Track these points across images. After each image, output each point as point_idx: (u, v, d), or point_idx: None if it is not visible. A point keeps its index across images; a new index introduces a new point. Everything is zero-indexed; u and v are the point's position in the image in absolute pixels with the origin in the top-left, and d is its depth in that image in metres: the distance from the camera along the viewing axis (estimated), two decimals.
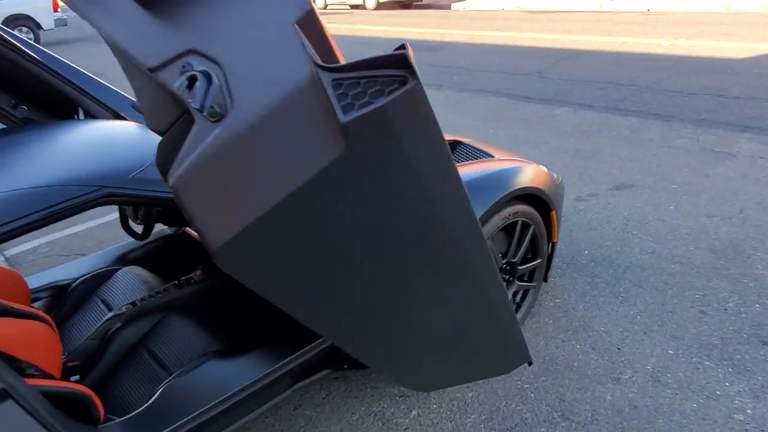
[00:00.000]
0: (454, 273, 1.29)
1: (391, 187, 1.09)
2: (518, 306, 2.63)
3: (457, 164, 2.49)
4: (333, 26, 14.09)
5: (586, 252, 3.31)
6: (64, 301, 2.30)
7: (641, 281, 2.99)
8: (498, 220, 2.26)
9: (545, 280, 2.76)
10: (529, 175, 2.43)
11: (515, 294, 2.61)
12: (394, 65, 1.00)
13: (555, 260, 3.25)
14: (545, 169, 2.67)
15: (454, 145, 3.11)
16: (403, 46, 1.00)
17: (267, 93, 1.01)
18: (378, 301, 1.32)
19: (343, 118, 0.97)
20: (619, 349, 2.51)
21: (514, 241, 2.40)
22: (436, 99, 6.93)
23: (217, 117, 1.02)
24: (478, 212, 2.15)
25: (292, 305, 1.21)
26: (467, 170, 2.35)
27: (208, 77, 1.04)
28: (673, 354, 2.46)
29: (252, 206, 1.04)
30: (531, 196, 2.46)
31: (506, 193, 2.25)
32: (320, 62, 1.01)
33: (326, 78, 1.00)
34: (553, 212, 2.57)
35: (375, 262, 1.21)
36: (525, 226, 2.46)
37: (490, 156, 2.83)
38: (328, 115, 1.01)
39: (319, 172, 1.02)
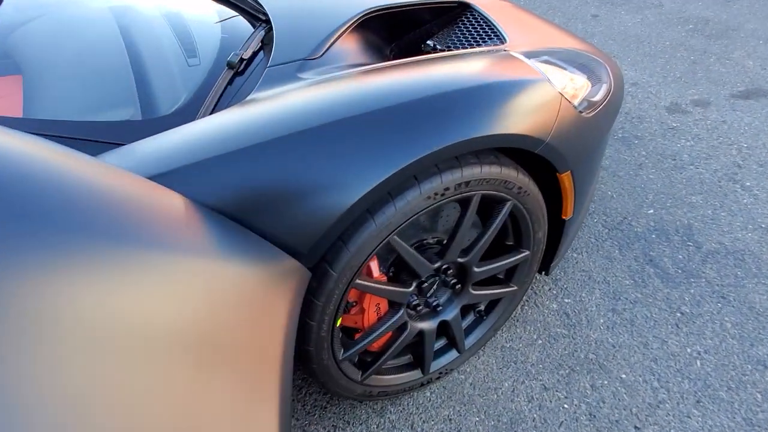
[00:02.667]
0: None
1: None
2: (479, 318, 1.54)
3: (419, 57, 1.33)
4: None
5: (651, 211, 2.03)
6: None
7: (729, 287, 1.74)
8: (417, 199, 1.11)
9: (546, 272, 1.61)
10: (528, 104, 1.19)
11: (470, 307, 1.52)
12: None
13: (591, 219, 2.02)
14: (580, 85, 1.39)
15: (460, 9, 1.83)
16: None
17: None
18: None
19: None
20: (638, 428, 1.41)
21: (461, 228, 1.25)
22: None
23: None
24: (362, 182, 1.02)
25: None
26: (418, 73, 1.19)
27: None
28: None
29: None
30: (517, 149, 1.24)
31: (440, 148, 1.06)
32: None
33: None
34: (566, 175, 1.34)
35: None
36: (495, 202, 1.28)
37: (500, 41, 1.57)
38: None
39: None
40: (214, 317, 0.83)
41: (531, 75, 1.26)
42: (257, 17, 1.53)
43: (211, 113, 1.17)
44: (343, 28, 1.48)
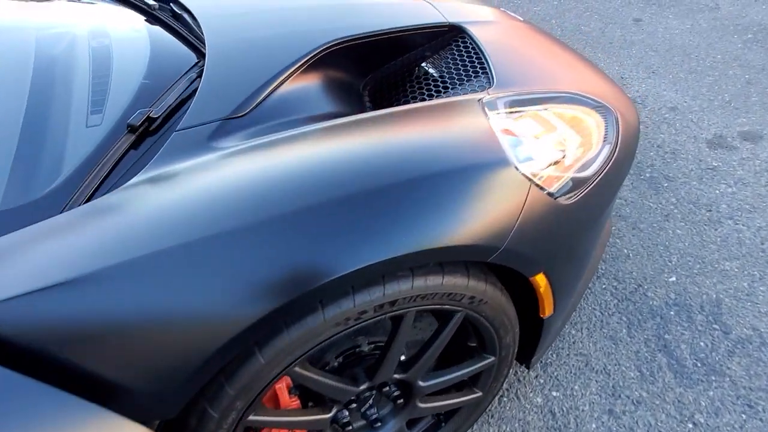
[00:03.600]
0: None
1: None
2: (437, 423, 1.29)
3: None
4: None
5: (673, 278, 1.70)
6: None
7: (759, 391, 1.42)
8: (321, 327, 0.86)
9: (528, 366, 1.34)
10: (480, 201, 0.92)
11: (415, 422, 1.27)
12: None
13: (599, 283, 1.71)
14: (571, 154, 1.11)
15: (453, 34, 1.57)
16: None
17: None
18: None
19: None
20: None
21: (391, 350, 1.00)
22: None
23: None
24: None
25: None
26: (346, 150, 0.96)
27: None
28: None
29: None
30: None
31: (351, 271, 0.81)
32: None
33: None
34: (538, 276, 1.06)
35: None
36: (443, 315, 1.03)
37: (486, 82, 1.32)
38: None
39: None
40: None
41: (492, 155, 0.98)
42: (202, 52, 1.30)
43: (88, 201, 0.95)
44: (290, 71, 1.24)
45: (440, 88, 1.36)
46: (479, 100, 1.19)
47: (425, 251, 0.85)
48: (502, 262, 0.96)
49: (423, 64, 1.56)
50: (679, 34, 2.87)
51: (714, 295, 1.63)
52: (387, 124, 1.05)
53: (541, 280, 1.07)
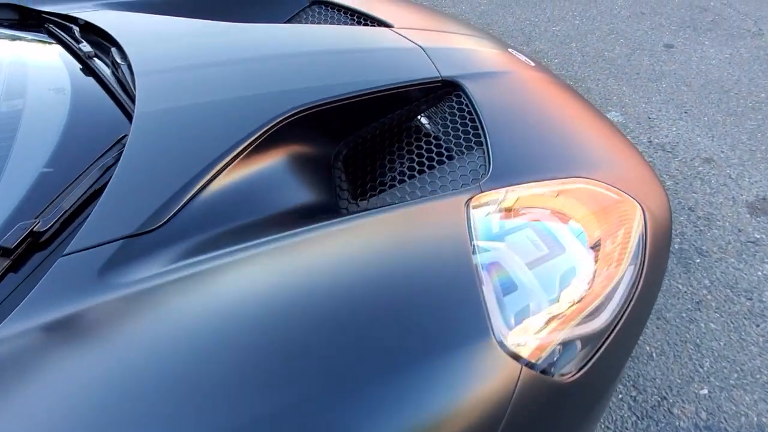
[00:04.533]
0: None
1: None
2: None
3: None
4: None
5: (705, 391, 1.41)
6: None
7: None
8: None
9: None
10: (449, 410, 0.66)
11: None
12: None
13: (615, 393, 1.43)
14: (578, 293, 0.84)
15: (444, 91, 1.32)
16: None
17: None
18: None
19: None
20: None
21: None
22: None
23: None
24: None
25: None
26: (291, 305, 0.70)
27: None
28: None
29: None
30: None
31: None
32: None
33: None
34: None
35: None
36: None
37: (483, 166, 1.09)
38: None
39: None
40: None
41: (471, 324, 0.71)
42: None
43: None
44: (231, 156, 0.98)
45: (426, 166, 1.11)
46: (467, 202, 0.93)
47: None
48: None
49: (420, 118, 1.31)
50: (717, 65, 2.54)
51: (755, 418, 1.34)
52: (341, 256, 0.79)
53: None
